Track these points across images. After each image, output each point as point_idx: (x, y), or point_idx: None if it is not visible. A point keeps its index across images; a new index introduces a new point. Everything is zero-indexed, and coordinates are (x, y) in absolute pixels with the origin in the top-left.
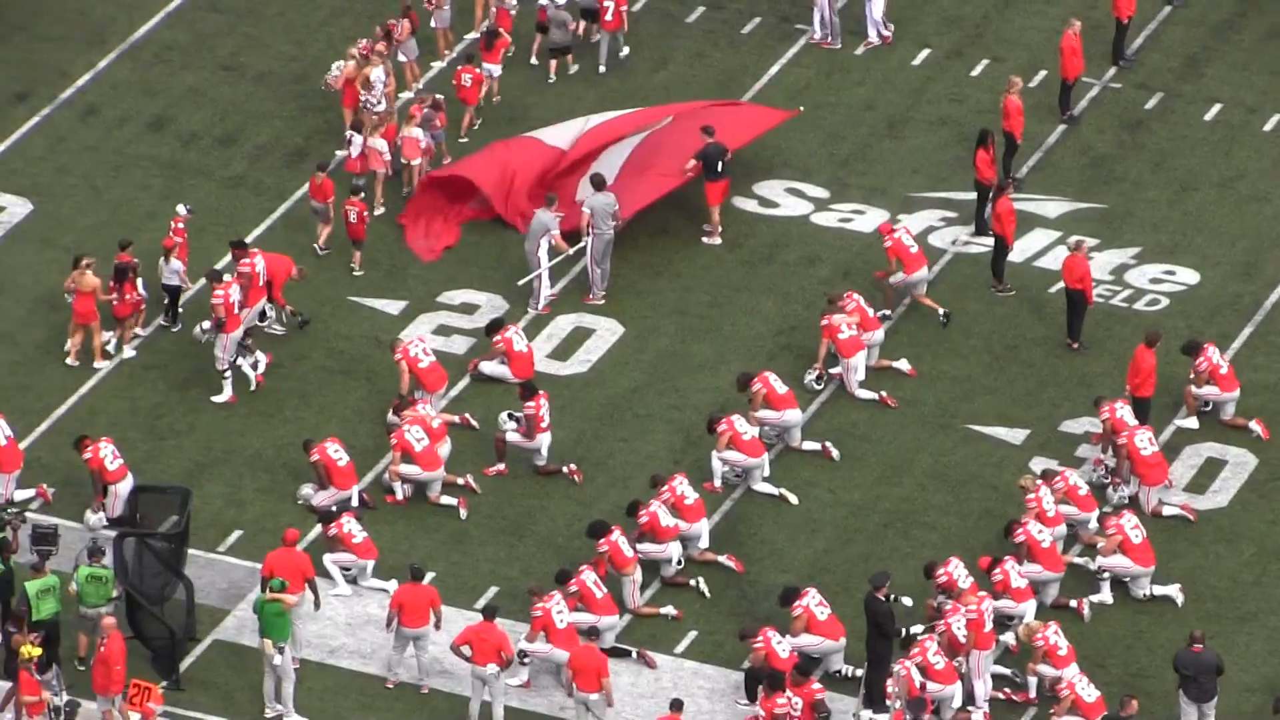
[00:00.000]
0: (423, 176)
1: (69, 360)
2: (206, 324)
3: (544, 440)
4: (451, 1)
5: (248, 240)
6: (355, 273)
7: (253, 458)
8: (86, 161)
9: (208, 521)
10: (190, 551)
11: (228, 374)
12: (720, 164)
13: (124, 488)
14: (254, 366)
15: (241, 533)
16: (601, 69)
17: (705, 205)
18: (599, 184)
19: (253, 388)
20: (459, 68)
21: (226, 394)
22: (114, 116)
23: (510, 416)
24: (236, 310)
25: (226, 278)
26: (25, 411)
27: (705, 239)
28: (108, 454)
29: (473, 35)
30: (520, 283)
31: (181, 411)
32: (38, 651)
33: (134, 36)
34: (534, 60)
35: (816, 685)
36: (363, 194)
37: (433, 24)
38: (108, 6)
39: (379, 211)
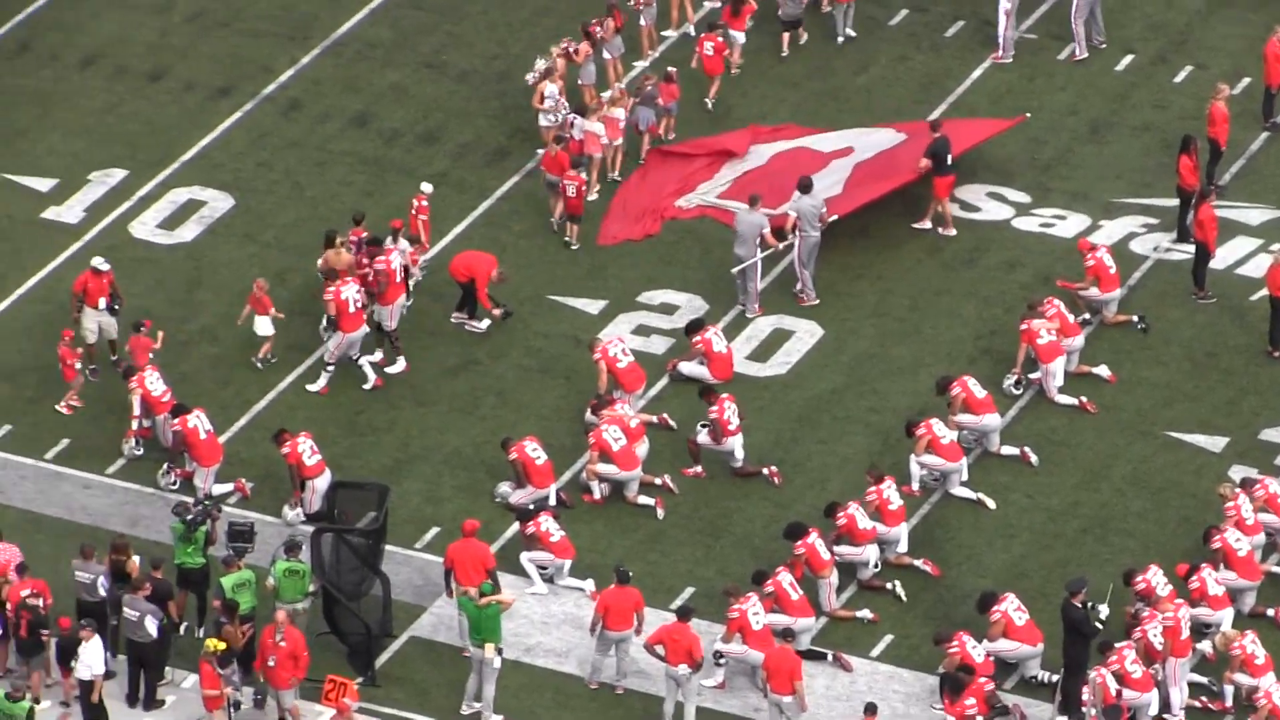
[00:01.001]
0: (646, 151)
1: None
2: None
3: (735, 443)
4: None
5: (445, 238)
6: (572, 246)
7: (451, 455)
8: (289, 157)
9: (405, 518)
10: (387, 548)
11: (330, 367)
12: (949, 158)
13: (322, 483)
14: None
15: (439, 530)
16: (840, 39)
17: (933, 199)
18: (806, 187)
19: (368, 386)
20: (701, 35)
21: (320, 383)
22: (317, 112)
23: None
24: (351, 309)
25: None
26: (225, 406)
27: (941, 229)
28: (306, 449)
29: (712, 4)
30: (745, 281)
31: (381, 408)
32: (222, 646)
33: (337, 33)
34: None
35: (983, 679)
36: (583, 169)
37: (641, 21)
38: (311, 3)
39: (592, 197)
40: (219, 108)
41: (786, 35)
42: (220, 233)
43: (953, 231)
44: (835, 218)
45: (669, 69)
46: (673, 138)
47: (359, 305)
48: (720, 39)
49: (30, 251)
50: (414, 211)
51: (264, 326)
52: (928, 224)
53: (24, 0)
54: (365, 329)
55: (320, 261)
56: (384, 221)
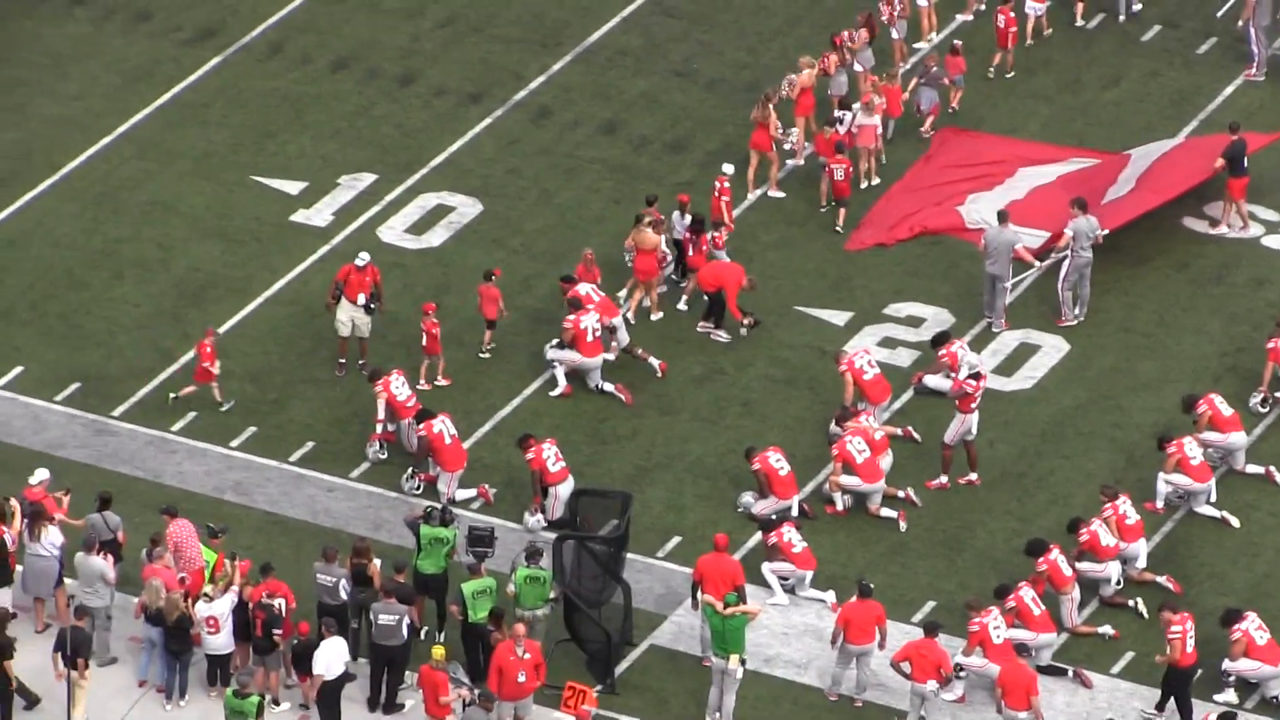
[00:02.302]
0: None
1: (628, 315)
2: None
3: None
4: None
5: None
6: (836, 229)
7: (694, 464)
8: (537, 164)
9: (647, 526)
10: (629, 556)
11: (555, 364)
12: (1245, 160)
13: (564, 490)
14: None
15: (680, 539)
16: (1121, 18)
17: (1229, 201)
18: (1083, 206)
19: (556, 393)
20: (998, 8)
21: (560, 387)
22: (566, 119)
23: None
24: (589, 337)
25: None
26: (470, 411)
27: (1237, 232)
28: (550, 455)
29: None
30: (993, 295)
31: (625, 416)
32: (442, 651)
33: (588, 40)
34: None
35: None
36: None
37: (894, 35)
38: (562, 10)
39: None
40: (469, 113)
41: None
42: (468, 238)
43: (1249, 230)
44: (1107, 232)
45: (955, 41)
46: (955, 109)
47: (596, 334)
48: (1011, 14)
49: (278, 254)
50: (716, 193)
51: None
52: (1225, 228)
53: (277, 3)
54: (603, 357)
55: (627, 240)
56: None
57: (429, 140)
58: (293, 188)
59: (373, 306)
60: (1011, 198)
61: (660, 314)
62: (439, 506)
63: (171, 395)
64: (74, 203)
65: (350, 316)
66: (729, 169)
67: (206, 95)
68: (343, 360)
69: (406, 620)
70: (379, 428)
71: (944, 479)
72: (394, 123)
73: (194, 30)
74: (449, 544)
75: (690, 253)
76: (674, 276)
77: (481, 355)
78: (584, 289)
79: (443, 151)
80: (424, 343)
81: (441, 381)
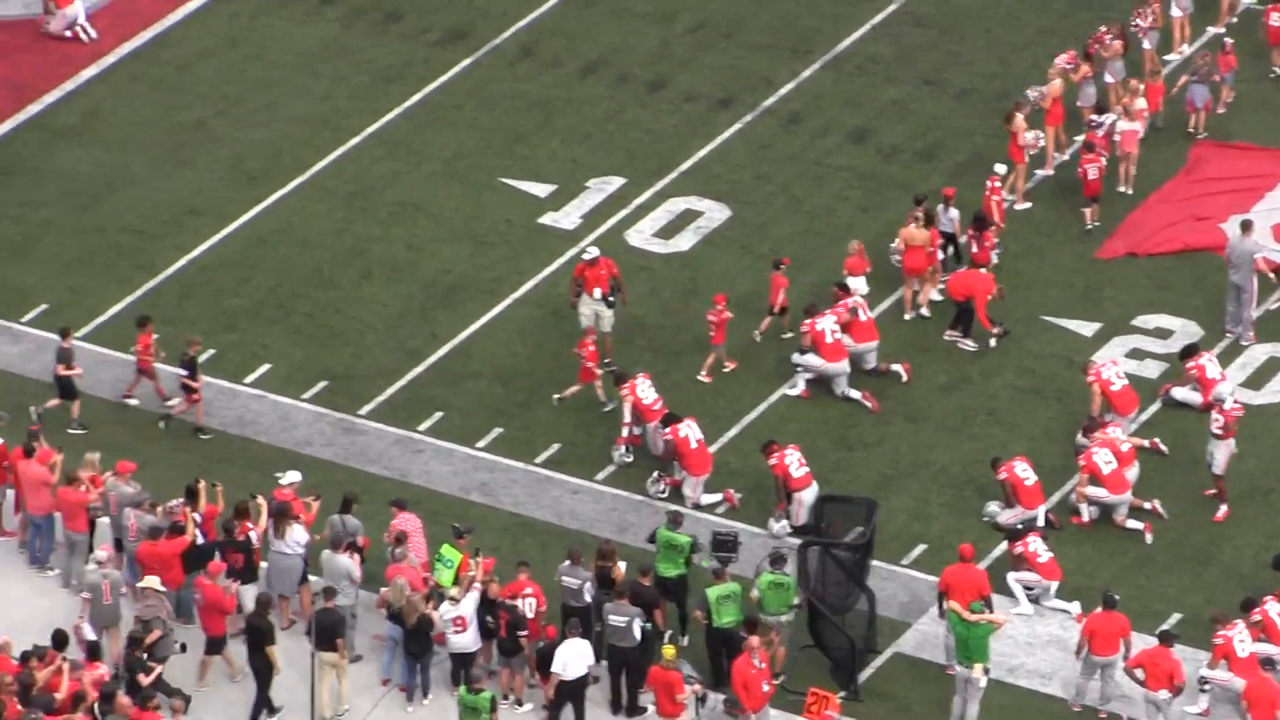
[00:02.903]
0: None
1: (906, 315)
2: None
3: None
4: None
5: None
6: (1086, 227)
7: (939, 472)
8: (786, 170)
9: (892, 534)
10: (873, 563)
11: (799, 368)
12: None
13: (809, 496)
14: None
15: (925, 547)
16: None
17: None
18: None
19: (794, 392)
20: (1268, 6)
21: (799, 388)
22: (816, 126)
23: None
24: (828, 339)
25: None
26: (716, 416)
27: None
28: (793, 461)
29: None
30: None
31: (871, 423)
32: (672, 650)
33: (838, 47)
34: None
35: None
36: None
37: (1145, 45)
38: (813, 17)
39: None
40: (719, 119)
41: None
42: (716, 243)
43: None
44: None
45: (1226, 39)
46: (1223, 111)
47: (836, 336)
48: None
49: (526, 256)
50: (988, 192)
51: (857, 286)
52: None
53: (527, 6)
54: (846, 363)
55: (896, 241)
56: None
57: (678, 145)
58: (541, 190)
59: (613, 300)
60: (1274, 219)
61: (916, 312)
62: (680, 510)
63: (556, 397)
64: (323, 202)
65: (593, 310)
66: (1001, 169)
67: (457, 97)
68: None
69: (638, 622)
70: (625, 431)
71: (1225, 508)
72: (644, 127)
73: (444, 32)
74: (684, 548)
75: (974, 249)
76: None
77: (754, 338)
78: (854, 283)
79: (692, 156)
80: (711, 334)
81: (728, 366)
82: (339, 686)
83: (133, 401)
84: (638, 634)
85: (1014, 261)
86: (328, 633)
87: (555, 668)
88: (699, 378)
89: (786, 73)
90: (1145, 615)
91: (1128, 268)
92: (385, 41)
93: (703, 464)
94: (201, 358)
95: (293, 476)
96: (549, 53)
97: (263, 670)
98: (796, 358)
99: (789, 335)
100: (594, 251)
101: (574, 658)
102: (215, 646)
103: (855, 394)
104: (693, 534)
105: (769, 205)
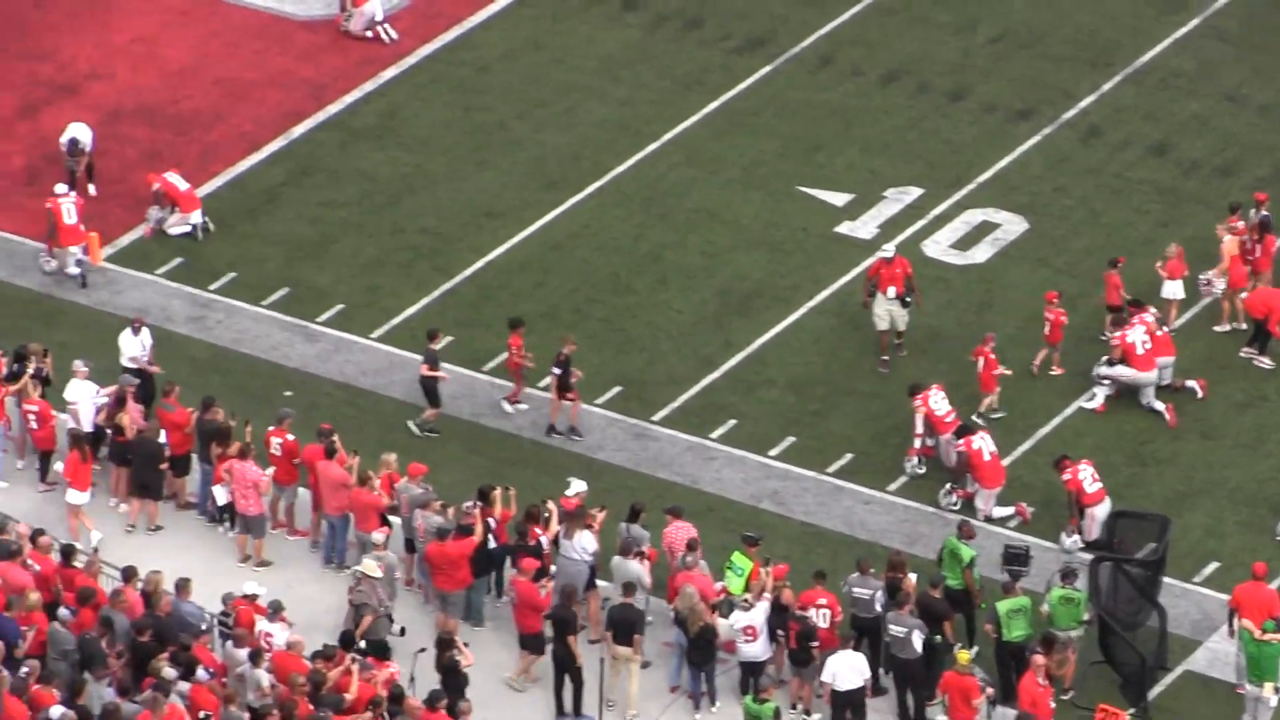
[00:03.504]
0: None
1: (1220, 327)
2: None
3: None
4: None
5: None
6: None
7: (1234, 490)
8: (1085, 183)
9: (1185, 551)
10: (1165, 580)
11: (1102, 381)
12: None
13: (1101, 511)
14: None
15: (1218, 564)
16: None
17: None
18: None
19: (1091, 405)
20: None
21: (1097, 401)
22: (1116, 139)
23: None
24: (1139, 350)
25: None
26: (1010, 429)
27: None
28: (1086, 476)
29: None
30: None
31: (1166, 439)
32: (967, 655)
33: (1139, 61)
34: None
35: None
36: None
37: None
38: (1115, 30)
39: None
40: (1018, 130)
41: None
42: (1012, 255)
43: None
44: None
45: None
46: None
47: (1147, 347)
48: None
49: (823, 265)
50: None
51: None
52: None
53: (827, 14)
54: (1156, 372)
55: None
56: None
57: (977, 156)
58: (839, 199)
59: (908, 300)
60: None
61: (1232, 325)
62: (970, 523)
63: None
64: (621, 207)
65: (887, 310)
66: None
67: (755, 104)
68: (885, 357)
69: (918, 633)
70: (917, 442)
71: None
72: (943, 137)
73: (743, 39)
74: (964, 560)
75: (1257, 254)
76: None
77: (1102, 338)
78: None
79: (990, 168)
80: (1045, 331)
81: (1055, 371)
82: (629, 688)
83: (521, 407)
84: (918, 645)
85: None
86: (626, 627)
87: (824, 677)
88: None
89: (1087, 85)
90: None
91: None
92: (685, 48)
93: (995, 477)
94: (496, 360)
95: (578, 486)
96: (848, 61)
97: (565, 660)
98: (1102, 370)
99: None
100: (891, 249)
101: (844, 668)
102: (531, 644)
103: (1159, 405)
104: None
105: (1067, 218)
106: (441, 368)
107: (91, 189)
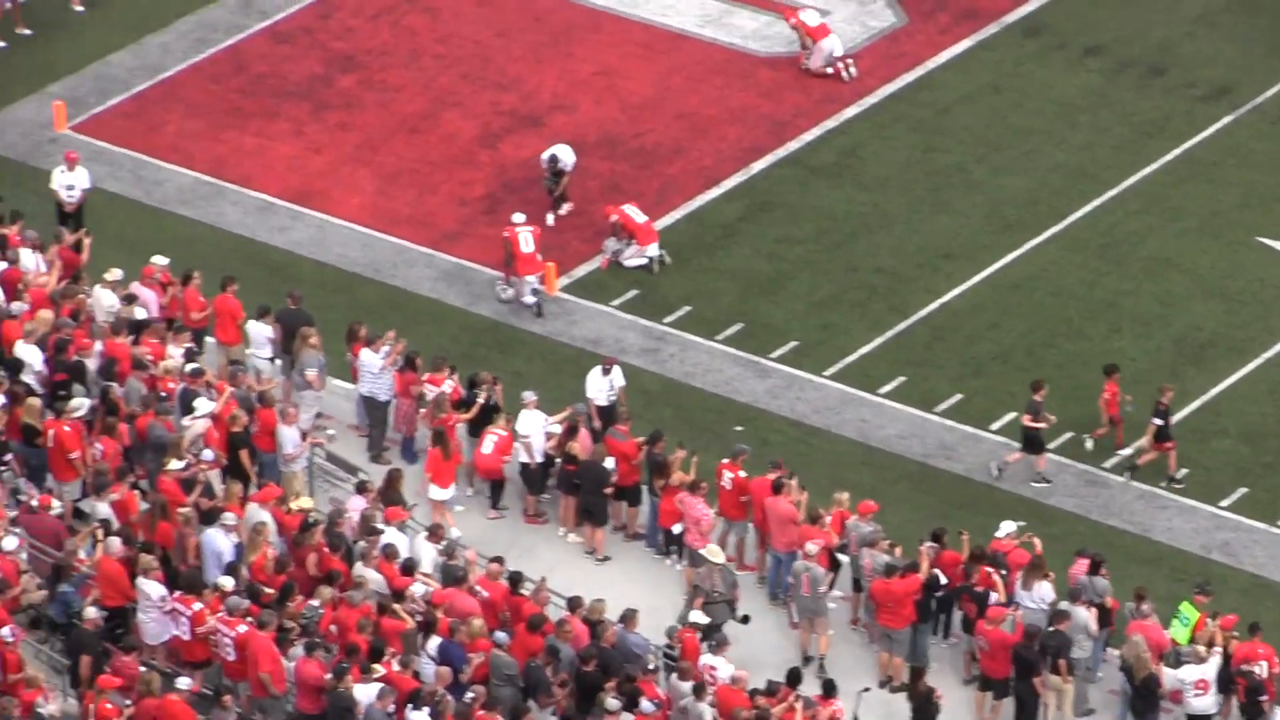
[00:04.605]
0: None
1: None
2: None
3: None
4: None
5: None
6: None
7: None
8: None
9: None
10: None
11: None
12: None
13: None
14: None
15: None
16: None
17: None
18: None
19: None
20: None
21: None
22: None
23: None
24: None
25: None
26: None
27: None
28: None
29: None
30: None
31: None
32: None
33: None
34: None
35: None
36: None
37: None
38: None
39: None
40: None
41: None
42: None
43: None
44: None
45: None
46: None
47: None
48: None
49: (1279, 316)
50: None
51: None
52: None
53: None
54: None
55: None
56: None
57: None
58: None
59: None
60: None
61: None
62: None
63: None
64: (1077, 253)
65: None
66: None
67: (1216, 153)
68: None
69: None
70: None
71: None
72: None
73: (1208, 87)
74: None
75: None
76: None
77: None
78: None
79: None
80: None
81: None
82: (1061, 713)
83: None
84: None
85: None
86: (1053, 654)
87: None
88: None
89: None
90: None
91: None
92: (1148, 95)
93: None
94: (947, 402)
95: (1008, 527)
96: None
97: (1027, 699)
98: None
99: None
100: None
101: None
102: (991, 686)
103: None
104: None
105: None
106: (1043, 418)
107: (550, 218)
